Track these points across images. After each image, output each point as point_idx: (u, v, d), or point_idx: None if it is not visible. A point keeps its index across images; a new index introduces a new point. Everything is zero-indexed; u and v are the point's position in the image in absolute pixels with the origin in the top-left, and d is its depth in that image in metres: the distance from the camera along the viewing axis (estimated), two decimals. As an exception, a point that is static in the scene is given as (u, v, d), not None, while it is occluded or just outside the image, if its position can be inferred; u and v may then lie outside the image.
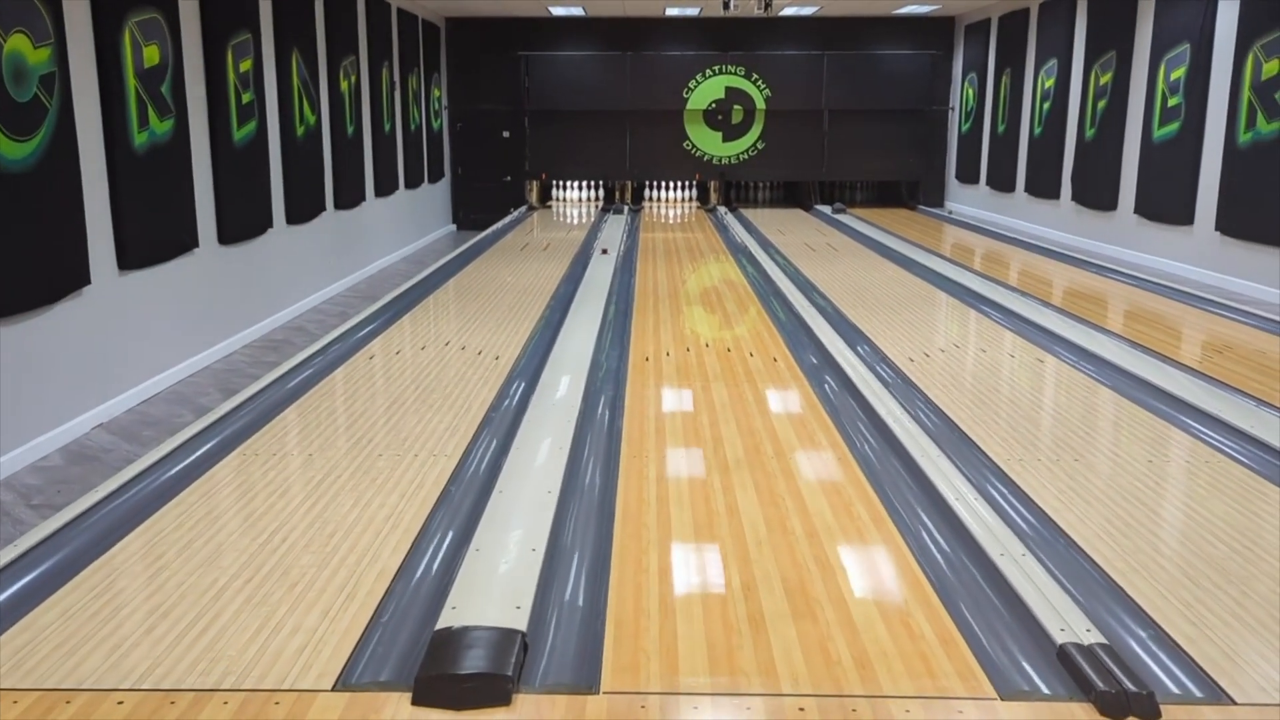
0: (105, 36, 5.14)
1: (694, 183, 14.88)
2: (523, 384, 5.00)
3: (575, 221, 13.18)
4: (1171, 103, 9.09)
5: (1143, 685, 2.28)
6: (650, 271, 8.78)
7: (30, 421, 4.58)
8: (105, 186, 5.21)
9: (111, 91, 5.20)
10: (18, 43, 4.37)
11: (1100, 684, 2.27)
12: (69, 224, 4.84)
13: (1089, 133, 10.62)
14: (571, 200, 15.00)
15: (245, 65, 6.86)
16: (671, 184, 14.99)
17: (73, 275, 4.89)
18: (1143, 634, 2.57)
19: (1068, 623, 2.54)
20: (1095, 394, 4.90)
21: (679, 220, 13.37)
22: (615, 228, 11.86)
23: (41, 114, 4.55)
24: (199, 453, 3.99)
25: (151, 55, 5.59)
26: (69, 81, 4.79)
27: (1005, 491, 3.54)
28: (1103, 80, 10.33)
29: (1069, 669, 2.37)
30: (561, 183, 14.94)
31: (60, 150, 4.71)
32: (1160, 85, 9.29)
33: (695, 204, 14.84)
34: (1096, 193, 10.46)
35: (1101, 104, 10.34)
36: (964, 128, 14.24)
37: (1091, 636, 2.47)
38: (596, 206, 14.69)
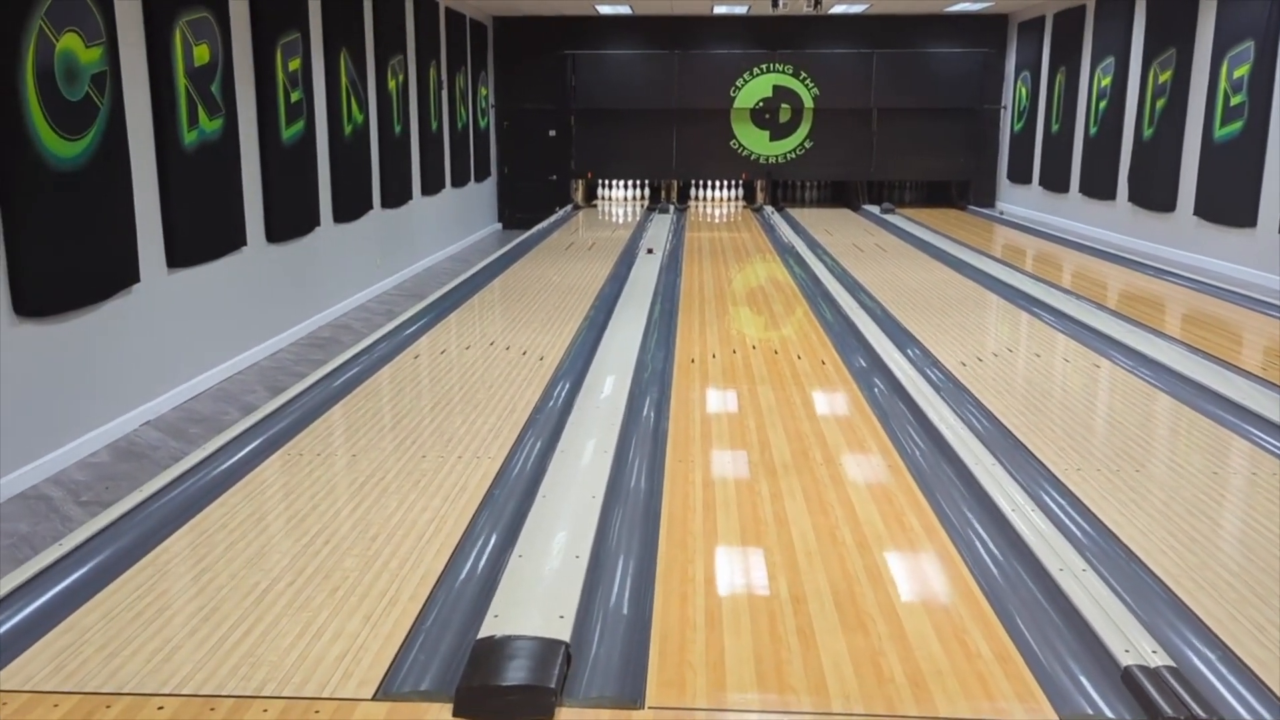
0: (156, 36, 5.17)
1: (740, 182, 14.77)
2: (567, 385, 4.95)
3: (620, 221, 13.13)
4: (1234, 101, 8.84)
5: (1212, 711, 2.18)
6: (696, 272, 8.71)
7: (80, 418, 4.62)
8: (155, 185, 5.25)
9: (162, 90, 5.23)
10: (70, 42, 4.41)
11: (1167, 709, 2.17)
12: (119, 222, 4.88)
13: (1147, 132, 10.37)
14: (617, 199, 14.96)
15: (294, 64, 6.89)
16: (717, 183, 14.90)
17: (122, 273, 4.92)
18: (1211, 656, 2.46)
19: (1132, 643, 2.43)
20: (1155, 401, 4.75)
21: (725, 220, 13.27)
22: (661, 227, 11.80)
23: (93, 113, 4.59)
24: (244, 451, 3.99)
25: (202, 54, 5.62)
26: (120, 81, 4.83)
27: (1063, 503, 3.43)
28: (1162, 78, 10.08)
29: (1134, 693, 2.27)
30: (607, 182, 14.91)
31: (111, 149, 4.75)
32: (1223, 83, 9.04)
33: (741, 203, 14.73)
34: (1154, 193, 10.21)
35: (1160, 102, 10.10)
36: (1016, 127, 13.99)
37: (1158, 658, 2.37)
38: (642, 205, 14.64)
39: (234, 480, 3.69)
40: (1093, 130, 11.61)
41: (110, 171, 4.76)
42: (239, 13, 6.14)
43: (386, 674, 2.36)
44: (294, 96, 6.90)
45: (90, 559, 2.99)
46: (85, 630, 2.57)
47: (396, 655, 2.44)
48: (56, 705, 2.23)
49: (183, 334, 5.52)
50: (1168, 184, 9.93)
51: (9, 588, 2.75)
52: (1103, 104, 11.35)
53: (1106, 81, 11.26)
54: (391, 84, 9.10)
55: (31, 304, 4.24)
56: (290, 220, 6.93)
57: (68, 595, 2.76)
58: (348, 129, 7.99)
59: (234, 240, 6.12)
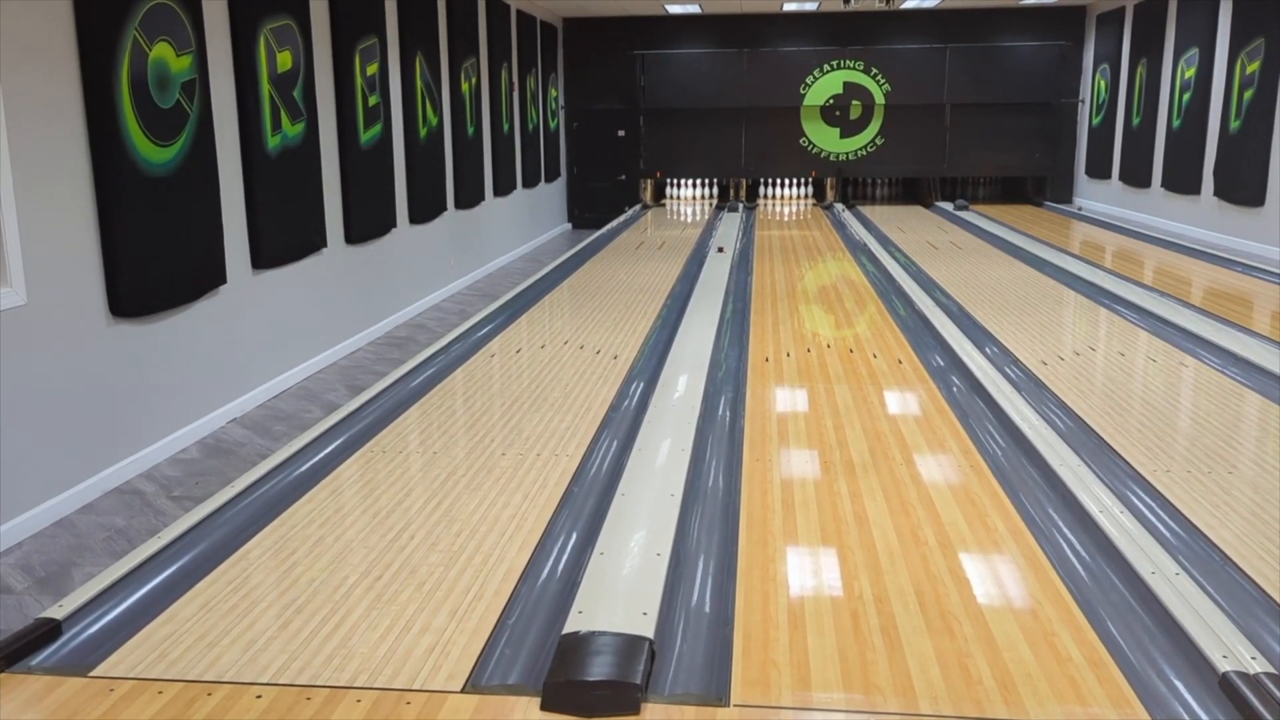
0: (242, 43, 5.31)
1: (810, 180, 14.67)
2: (642, 384, 4.97)
3: (689, 220, 13.13)
4: (1327, 91, 8.54)
5: (1317, 720, 2.12)
6: (767, 270, 8.67)
7: (170, 415, 4.76)
8: (241, 189, 5.38)
9: (247, 96, 5.37)
10: (162, 51, 4.54)
11: (1268, 716, 2.11)
12: (208, 225, 5.02)
13: (1234, 125, 10.06)
14: (685, 198, 14.96)
15: (372, 69, 7.01)
16: (787, 181, 14.81)
17: (211, 274, 5.06)
18: (1314, 663, 2.39)
19: (1230, 649, 2.37)
20: (1245, 401, 4.61)
21: (795, 218, 13.19)
22: (730, 226, 11.77)
23: (183, 120, 4.72)
24: (327, 450, 4.07)
25: (284, 61, 5.75)
26: (208, 88, 4.96)
27: (1153, 504, 3.35)
28: (1249, 69, 9.77)
29: (1233, 699, 2.21)
30: (675, 181, 14.92)
31: (200, 154, 4.88)
32: (1314, 72, 8.73)
33: (811, 201, 14.63)
34: (1242, 187, 9.90)
35: (1248, 94, 9.79)
36: (1095, 121, 13.68)
37: (1257, 664, 2.31)
38: (710, 204, 14.61)
39: (318, 478, 3.77)
40: (1176, 123, 11.30)
41: (199, 176, 4.90)
42: (319, 19, 6.28)
43: (474, 667, 2.40)
44: (372, 100, 7.03)
45: (186, 553, 3.09)
46: (184, 621, 2.65)
47: (483, 649, 2.48)
48: (161, 692, 2.30)
49: (267, 333, 5.65)
50: (1256, 178, 9.62)
51: (112, 579, 2.85)
52: (1186, 96, 11.05)
53: (1190, 73, 10.96)
54: (465, 87, 9.21)
55: (127, 305, 4.38)
56: (368, 222, 7.05)
57: (166, 587, 2.85)
58: (423, 132, 8.11)
59: (315, 242, 6.26)
